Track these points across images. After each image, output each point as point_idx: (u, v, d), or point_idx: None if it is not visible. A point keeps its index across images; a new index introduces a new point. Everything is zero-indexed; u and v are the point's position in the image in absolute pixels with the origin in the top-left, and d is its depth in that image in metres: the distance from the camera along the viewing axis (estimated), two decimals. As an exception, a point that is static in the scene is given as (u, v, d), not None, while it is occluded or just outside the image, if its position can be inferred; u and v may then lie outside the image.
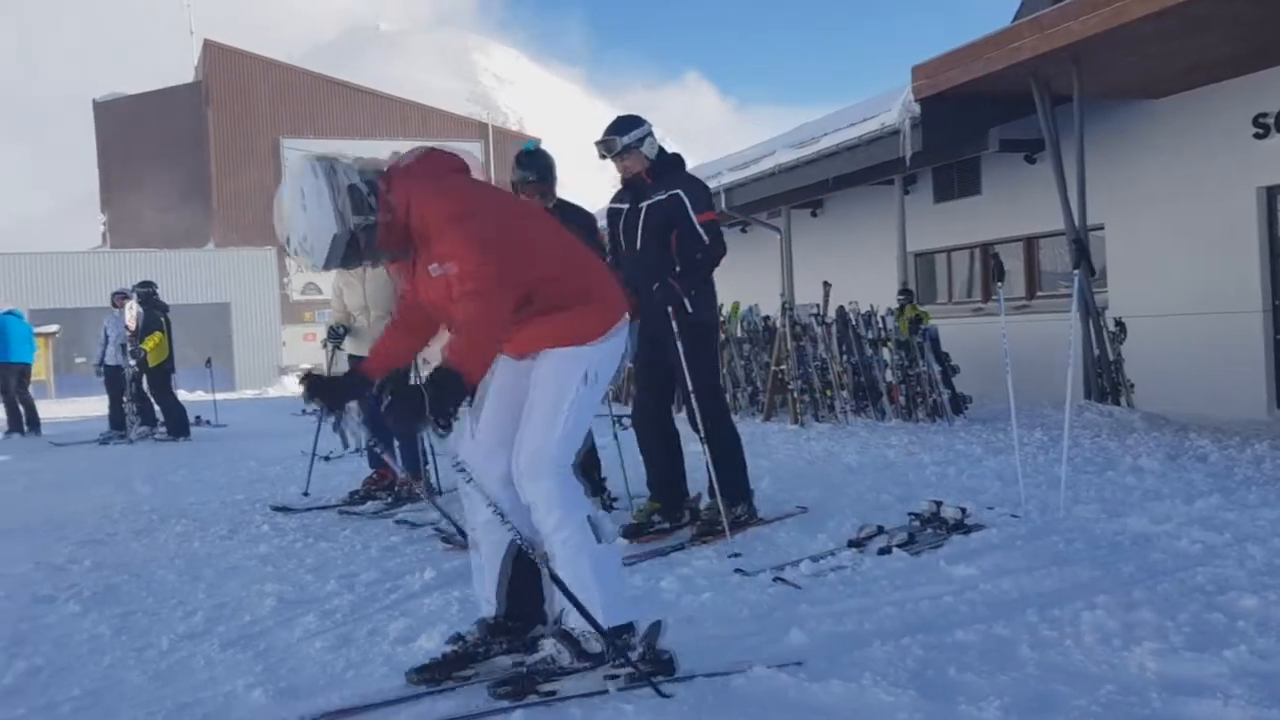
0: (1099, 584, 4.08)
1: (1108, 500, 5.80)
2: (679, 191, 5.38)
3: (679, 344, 5.26)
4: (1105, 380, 10.34)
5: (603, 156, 5.52)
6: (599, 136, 5.52)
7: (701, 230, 5.37)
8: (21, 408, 15.22)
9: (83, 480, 9.45)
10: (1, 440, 14.89)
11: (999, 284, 6.00)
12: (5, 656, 3.85)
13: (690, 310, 5.34)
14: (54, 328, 27.69)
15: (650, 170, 5.47)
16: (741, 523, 5.38)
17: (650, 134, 5.51)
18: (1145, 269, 11.39)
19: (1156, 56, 9.53)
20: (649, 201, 5.43)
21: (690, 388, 5.33)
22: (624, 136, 5.44)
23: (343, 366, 7.12)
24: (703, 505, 5.61)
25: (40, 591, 4.88)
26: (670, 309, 5.28)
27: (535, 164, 6.05)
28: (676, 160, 5.60)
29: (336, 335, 7.31)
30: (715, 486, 5.34)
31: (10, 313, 15.34)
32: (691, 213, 5.36)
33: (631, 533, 5.42)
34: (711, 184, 15.65)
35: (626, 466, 6.34)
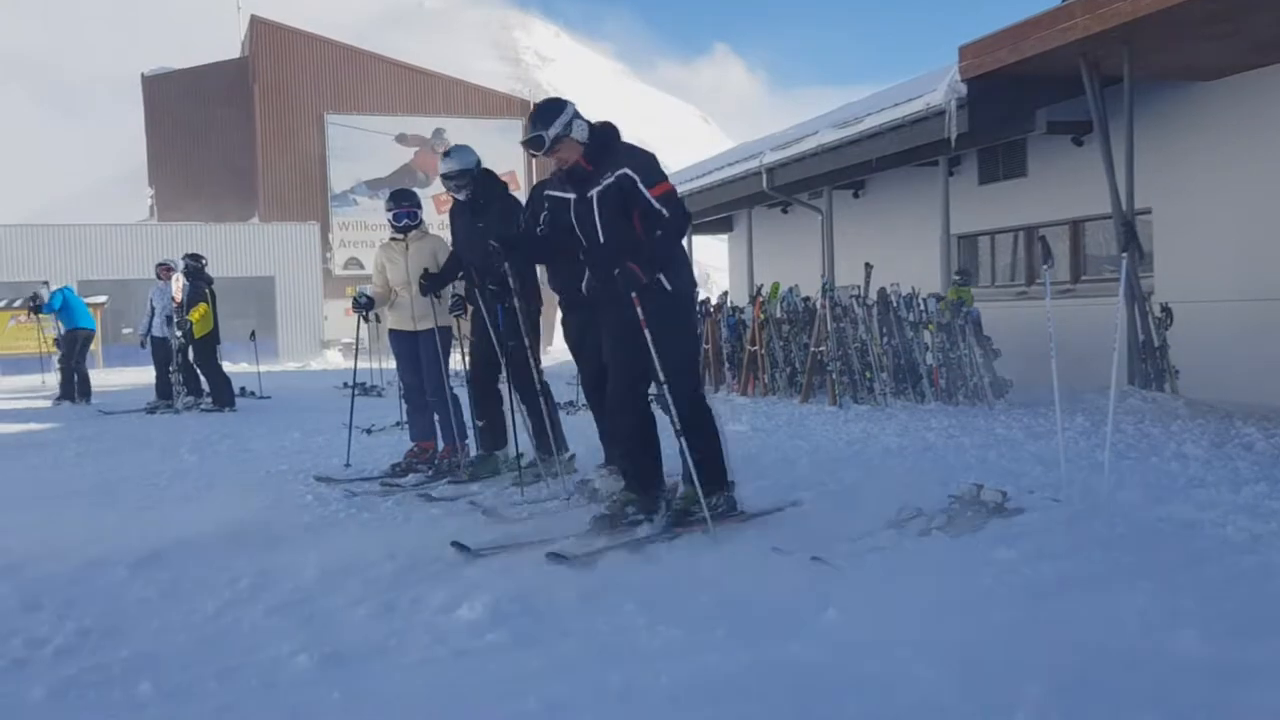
0: (1142, 569, 4.05)
1: (1151, 486, 5.74)
2: (626, 170, 4.95)
3: (649, 324, 4.89)
4: (1150, 366, 10.22)
5: (533, 155, 5.15)
6: (529, 133, 5.03)
7: (659, 205, 4.93)
8: (75, 376, 15.58)
9: (131, 448, 9.62)
10: (53, 408, 15.21)
11: (1046, 267, 5.93)
12: (57, 618, 3.94)
13: (669, 287, 5.01)
14: (102, 299, 28.07)
15: (589, 155, 5.03)
16: (718, 515, 5.05)
17: (576, 115, 5.05)
18: (1193, 254, 11.21)
19: (1208, 38, 9.35)
20: (598, 188, 5.01)
21: (660, 367, 4.95)
22: (550, 128, 4.97)
23: (381, 338, 7.29)
24: (679, 494, 5.28)
25: (90, 556, 4.97)
26: (635, 294, 4.90)
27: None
28: (610, 133, 5.13)
29: (359, 304, 7.35)
30: (692, 473, 5.02)
31: (67, 288, 15.99)
32: (645, 190, 4.92)
33: (604, 524, 5.04)
34: (753, 163, 15.70)
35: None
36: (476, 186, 6.79)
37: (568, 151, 5.03)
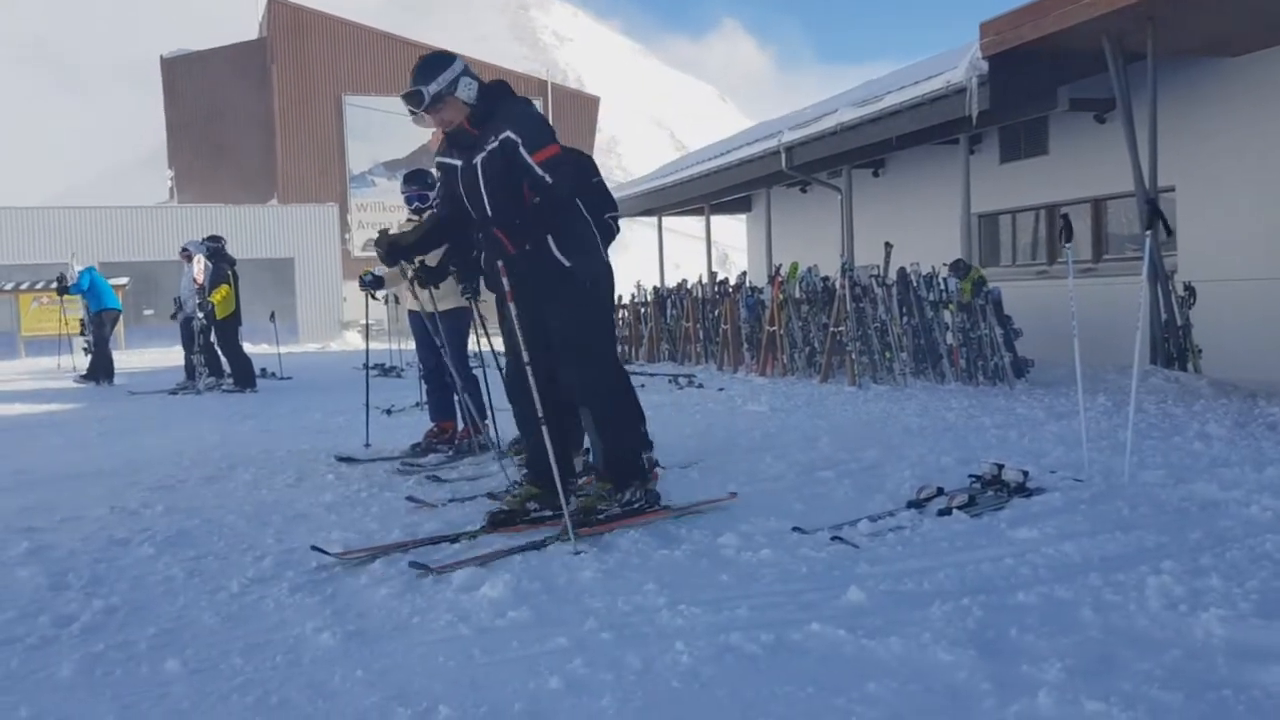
0: (1165, 549, 4.03)
1: (1174, 466, 5.71)
2: (509, 133, 4.52)
3: (543, 303, 4.63)
4: (1172, 345, 10.15)
5: (414, 114, 4.66)
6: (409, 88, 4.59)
7: (541, 171, 4.50)
8: (101, 356, 15.75)
9: (153, 428, 9.70)
10: (77, 387, 15.35)
11: (1068, 245, 5.88)
12: (84, 596, 3.98)
13: (566, 263, 4.66)
14: (123, 280, 28.27)
15: (472, 117, 4.63)
16: (635, 510, 4.74)
17: (464, 73, 4.63)
18: (1216, 232, 11.11)
19: (1233, 13, 9.25)
20: (483, 155, 4.59)
21: (560, 349, 4.66)
22: (430, 85, 4.55)
23: (400, 319, 7.32)
24: (588, 489, 4.97)
25: (116, 534, 5.03)
26: (500, 264, 4.58)
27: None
28: (499, 93, 4.71)
29: (365, 283, 7.37)
30: (598, 466, 4.73)
31: (91, 268, 16.11)
32: (526, 154, 4.50)
33: (500, 520, 4.70)
34: (771, 142, 15.62)
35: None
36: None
37: (451, 112, 4.61)
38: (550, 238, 4.65)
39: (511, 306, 4.61)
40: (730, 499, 5.13)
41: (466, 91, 4.59)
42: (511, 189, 4.58)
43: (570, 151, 5.97)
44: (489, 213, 4.64)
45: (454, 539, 4.56)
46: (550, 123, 4.72)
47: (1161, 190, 10.46)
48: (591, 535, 4.50)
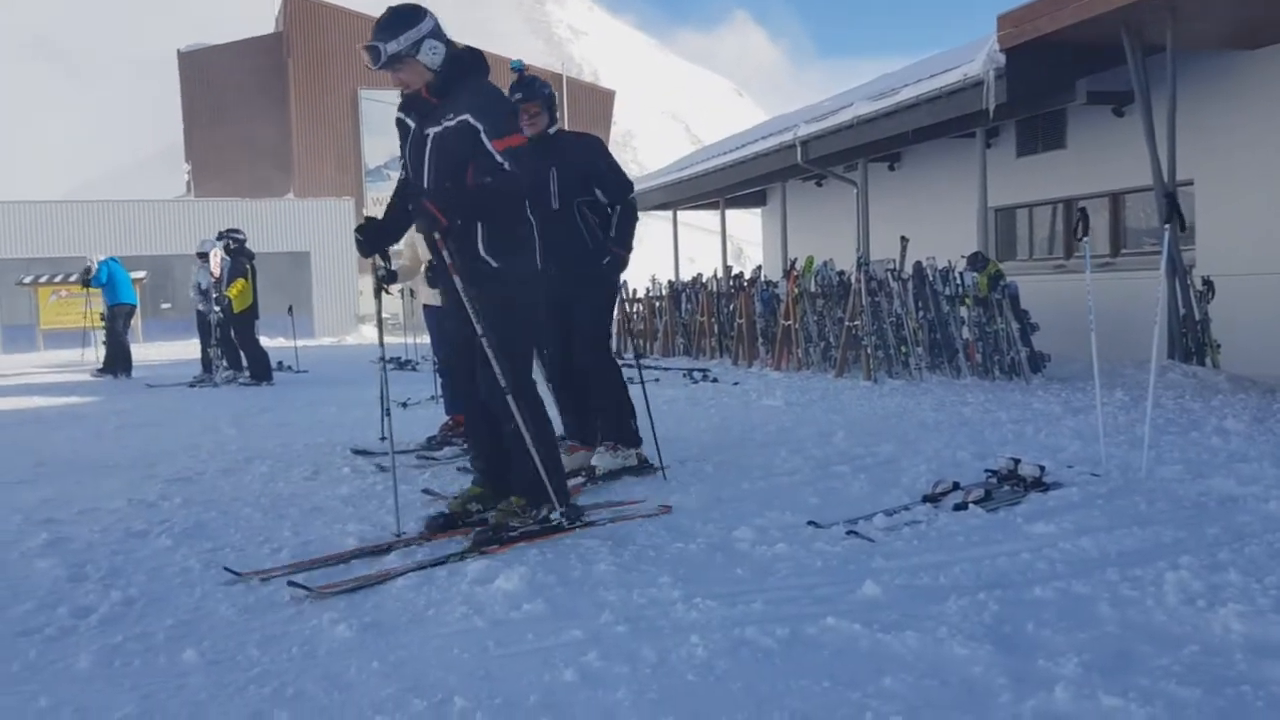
0: (1183, 545, 4.01)
1: (1192, 461, 5.68)
2: (468, 116, 4.24)
3: (469, 301, 4.36)
4: (1190, 340, 10.08)
5: (369, 69, 4.37)
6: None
7: (501, 159, 4.25)
8: (118, 349, 15.86)
9: (171, 421, 9.76)
10: (94, 380, 15.45)
11: (1084, 239, 5.84)
12: (102, 587, 4.01)
13: (494, 264, 4.42)
14: (141, 274, 28.42)
15: (433, 85, 4.32)
16: (552, 526, 4.48)
17: (432, 33, 4.28)
18: (1235, 226, 11.03)
19: (1253, 5, 9.16)
20: (437, 129, 4.33)
21: (484, 345, 4.36)
22: (391, 41, 4.24)
23: (416, 313, 7.31)
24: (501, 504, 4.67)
25: (133, 526, 5.06)
26: (438, 238, 4.33)
27: (524, 84, 5.67)
28: (468, 64, 4.41)
29: (379, 277, 7.36)
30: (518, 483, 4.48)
31: (112, 259, 16.16)
32: (487, 141, 4.24)
33: (439, 525, 4.54)
34: (787, 136, 15.58)
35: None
36: None
37: (410, 74, 4.32)
38: (480, 234, 4.40)
39: (457, 280, 4.33)
40: (662, 512, 4.86)
41: (430, 56, 4.28)
42: (457, 170, 4.33)
43: (574, 135, 6.03)
44: (425, 185, 4.42)
45: (387, 549, 4.34)
46: (514, 107, 4.52)
47: (1180, 184, 10.38)
48: (498, 554, 4.18)
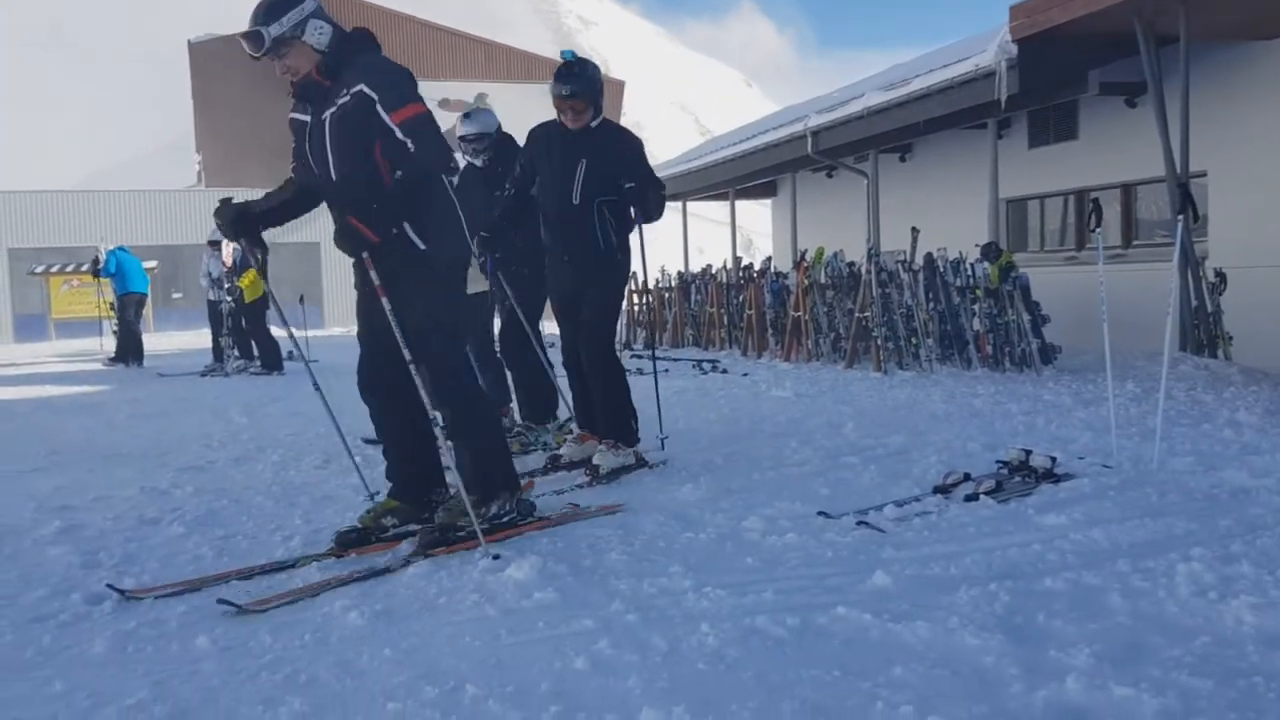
0: (1195, 536, 4.00)
1: (1204, 453, 5.66)
2: (362, 87, 3.95)
3: (388, 290, 4.07)
4: (1202, 332, 10.04)
5: (253, 58, 4.07)
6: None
7: (402, 135, 3.94)
8: (130, 338, 15.92)
9: (183, 410, 9.79)
10: (106, 369, 15.51)
11: (1096, 230, 5.82)
12: (116, 574, 4.03)
13: (421, 245, 4.11)
14: (152, 263, 28.51)
15: (323, 66, 4.04)
16: (502, 524, 4.31)
17: (315, 13, 4.03)
18: (1249, 218, 10.97)
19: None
20: (331, 110, 4.03)
21: (404, 346, 4.09)
22: (272, 26, 3.96)
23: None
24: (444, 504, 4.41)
25: (146, 514, 5.08)
26: (366, 256, 4.06)
27: (574, 76, 5.43)
28: (359, 43, 4.13)
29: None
30: (459, 478, 4.20)
31: (121, 248, 16.19)
32: (384, 113, 3.94)
33: (351, 540, 4.20)
34: (797, 127, 15.54)
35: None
36: (494, 152, 6.74)
37: (297, 59, 4.02)
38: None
39: (386, 303, 4.05)
40: (617, 508, 4.74)
41: (317, 36, 4.01)
42: (361, 153, 4.02)
43: (616, 130, 5.70)
44: (333, 177, 4.11)
45: (291, 565, 4.06)
46: (415, 78, 4.12)
47: (1193, 175, 10.33)
48: (447, 555, 4.02)
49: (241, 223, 4.36)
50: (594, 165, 5.53)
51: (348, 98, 3.98)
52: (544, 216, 5.79)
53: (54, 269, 30.33)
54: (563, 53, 5.63)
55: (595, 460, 5.58)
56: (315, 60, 4.03)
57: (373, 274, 4.06)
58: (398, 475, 4.42)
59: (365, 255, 4.05)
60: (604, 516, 4.64)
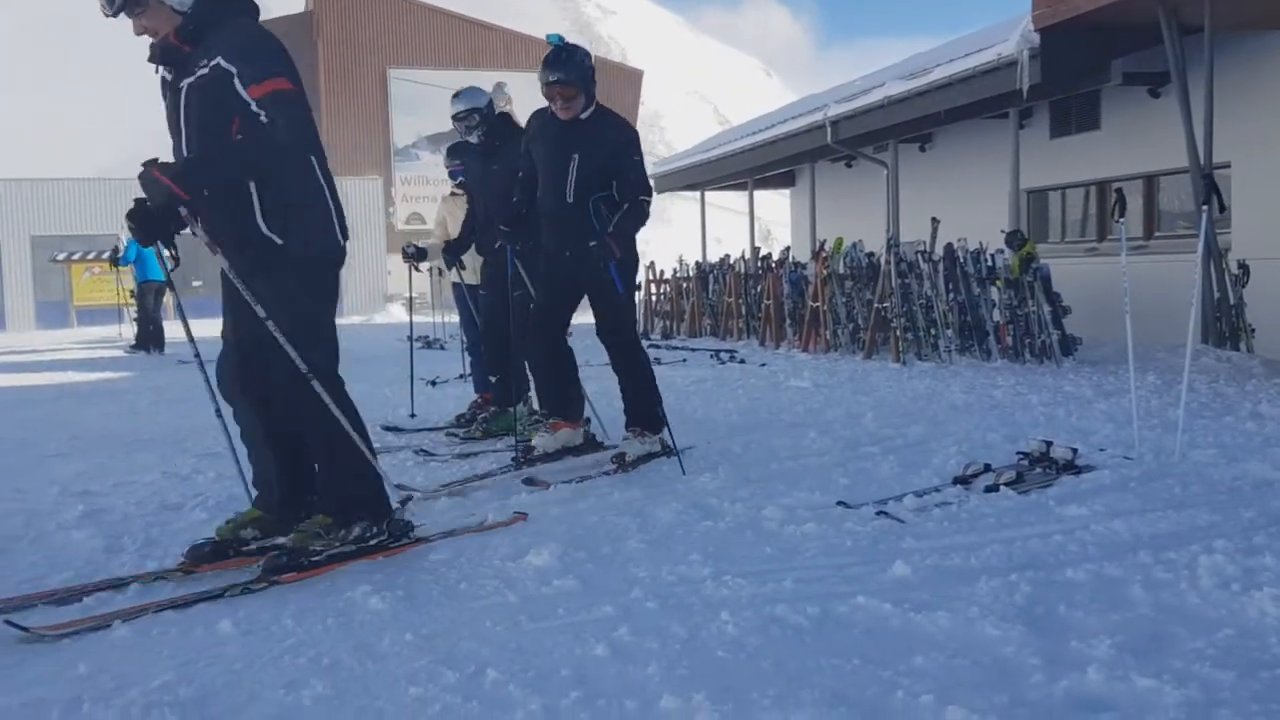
0: (1217, 528, 3.98)
1: (1226, 446, 5.63)
2: (220, 59, 3.59)
3: (251, 289, 3.74)
4: (1224, 324, 9.97)
5: (108, 15, 3.68)
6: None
7: (258, 109, 3.57)
8: (150, 327, 16.00)
9: (203, 397, 9.79)
10: (127, 356, 15.61)
11: (1120, 220, 5.78)
12: (138, 558, 4.07)
13: (278, 240, 3.74)
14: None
15: (183, 30, 3.66)
16: (371, 547, 3.92)
17: None
18: (1273, 209, 10.86)
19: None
20: (189, 80, 3.66)
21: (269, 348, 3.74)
22: None
23: (444, 292, 7.33)
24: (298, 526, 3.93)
25: (168, 500, 5.12)
26: (184, 212, 3.64)
27: (563, 62, 5.28)
28: (229, 6, 3.75)
29: (408, 255, 7.39)
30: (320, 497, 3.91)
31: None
32: (241, 87, 3.58)
33: (204, 555, 3.84)
34: (817, 116, 15.48)
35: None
36: (488, 128, 6.74)
37: (154, 19, 3.66)
38: (256, 203, 3.70)
39: (225, 262, 3.75)
40: (517, 520, 4.43)
41: None
42: (218, 129, 3.63)
43: (610, 118, 5.46)
44: (184, 153, 3.73)
45: (129, 582, 3.73)
46: (286, 51, 3.77)
47: (1216, 166, 10.24)
48: (300, 580, 3.66)
49: (158, 229, 3.66)
50: (586, 162, 5.36)
51: (206, 69, 3.61)
52: (541, 210, 5.64)
53: (75, 256, 30.53)
54: (549, 37, 5.45)
55: (622, 448, 5.58)
56: (174, 22, 3.64)
57: (226, 264, 3.74)
58: (262, 483, 3.97)
59: (184, 211, 3.59)
60: (606, 513, 4.64)
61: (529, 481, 5.19)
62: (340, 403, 3.86)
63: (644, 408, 5.71)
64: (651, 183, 5.57)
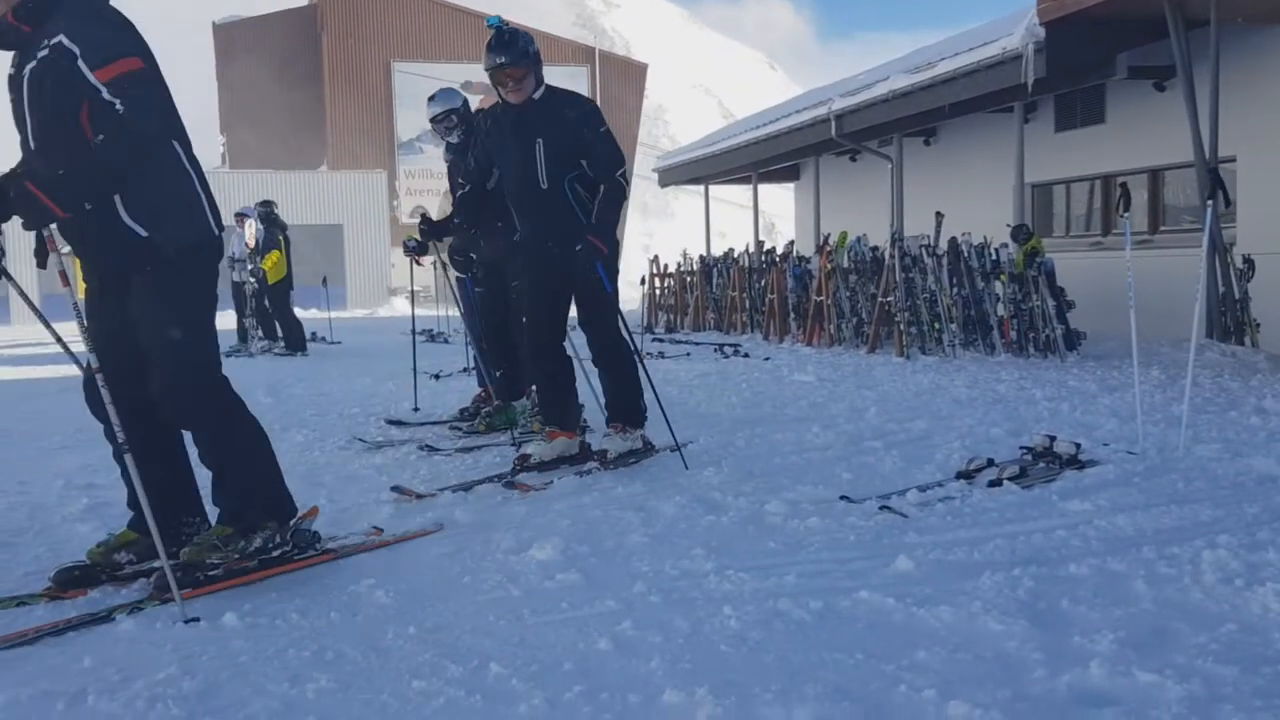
0: (1221, 523, 3.98)
1: (1230, 441, 5.62)
2: (61, 39, 3.27)
3: (133, 288, 3.51)
4: (1229, 319, 9.96)
5: None
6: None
7: (110, 95, 3.26)
8: None
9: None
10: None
11: (1125, 214, 5.77)
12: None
13: (142, 233, 3.43)
14: (176, 245, 28.68)
15: (21, 9, 3.34)
16: (275, 559, 3.71)
17: None
18: (1278, 203, 10.85)
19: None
20: (31, 64, 3.34)
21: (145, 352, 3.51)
22: None
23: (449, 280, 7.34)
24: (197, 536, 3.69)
25: (172, 492, 5.12)
26: (48, 233, 3.45)
27: (506, 45, 5.11)
28: None
29: (410, 248, 7.38)
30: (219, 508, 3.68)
31: None
32: (86, 69, 3.25)
33: (71, 580, 3.56)
34: (821, 110, 15.46)
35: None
36: (467, 127, 6.67)
37: None
38: (118, 196, 3.40)
39: (141, 308, 3.45)
40: (434, 530, 4.25)
41: None
42: (65, 117, 3.32)
43: (564, 95, 5.25)
44: (30, 144, 3.43)
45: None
46: (136, 29, 3.42)
47: (1222, 161, 10.23)
48: (206, 595, 3.45)
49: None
50: (552, 141, 5.18)
51: (46, 50, 3.28)
52: (513, 205, 5.47)
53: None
54: (488, 20, 5.23)
55: (604, 445, 5.45)
56: (11, 1, 3.32)
57: (57, 256, 3.47)
58: (138, 502, 3.50)
59: (47, 233, 3.42)
60: (609, 507, 4.65)
61: (510, 485, 5.04)
62: (229, 404, 3.64)
63: (626, 402, 5.58)
64: (621, 151, 5.32)
